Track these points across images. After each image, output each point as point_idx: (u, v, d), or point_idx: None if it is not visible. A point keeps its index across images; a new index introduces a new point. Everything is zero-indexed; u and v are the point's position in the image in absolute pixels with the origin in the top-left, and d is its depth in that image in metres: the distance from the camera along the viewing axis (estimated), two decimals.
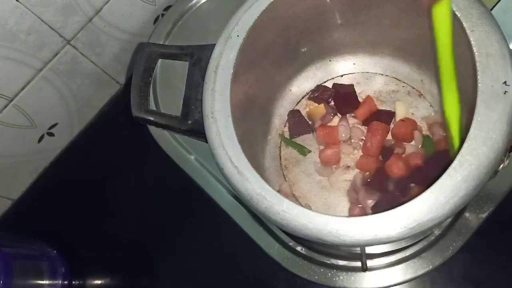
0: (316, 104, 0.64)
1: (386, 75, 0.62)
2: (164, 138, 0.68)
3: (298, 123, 0.63)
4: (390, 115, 0.60)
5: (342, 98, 0.62)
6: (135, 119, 0.51)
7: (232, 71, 0.47)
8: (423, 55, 0.58)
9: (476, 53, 0.42)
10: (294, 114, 0.63)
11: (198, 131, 0.48)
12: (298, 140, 0.63)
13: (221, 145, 0.45)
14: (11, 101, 0.65)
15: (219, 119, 0.46)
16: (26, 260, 0.66)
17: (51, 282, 0.67)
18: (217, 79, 0.47)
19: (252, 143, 0.57)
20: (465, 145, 0.40)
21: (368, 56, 0.63)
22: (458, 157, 0.39)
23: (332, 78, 0.64)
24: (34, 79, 0.65)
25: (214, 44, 0.49)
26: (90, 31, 0.67)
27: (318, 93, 0.63)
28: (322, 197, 0.60)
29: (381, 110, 0.61)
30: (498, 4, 0.60)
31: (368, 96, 0.62)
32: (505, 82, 0.40)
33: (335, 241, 0.40)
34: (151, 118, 0.51)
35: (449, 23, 0.43)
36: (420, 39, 0.55)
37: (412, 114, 0.60)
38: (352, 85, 0.63)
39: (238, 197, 0.46)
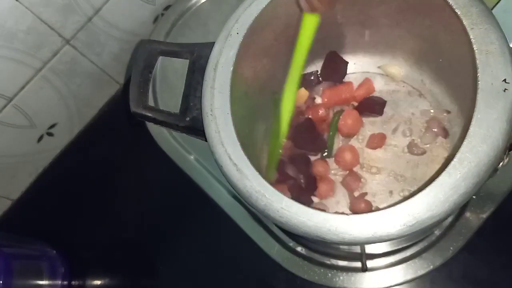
0: None
1: (386, 75, 0.62)
2: (164, 138, 0.68)
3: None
4: (382, 105, 0.60)
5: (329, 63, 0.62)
6: (134, 114, 0.51)
7: (231, 69, 0.47)
8: (423, 55, 0.58)
9: (476, 51, 0.42)
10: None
11: (196, 128, 0.48)
12: None
13: (220, 143, 0.45)
14: (10, 101, 0.65)
15: (219, 116, 0.46)
16: (26, 260, 0.66)
17: (51, 282, 0.67)
18: (217, 76, 0.47)
19: (251, 140, 0.57)
20: (464, 142, 0.39)
21: (368, 56, 0.63)
22: (458, 155, 0.39)
23: None
24: (34, 79, 0.65)
25: (214, 42, 0.49)
26: (89, 31, 0.67)
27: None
28: None
29: (374, 99, 0.61)
30: (498, 4, 0.60)
31: (367, 78, 0.61)
32: (504, 80, 0.40)
33: (334, 239, 0.40)
34: (150, 114, 0.51)
35: (313, 32, 0.50)
36: (420, 39, 0.55)
37: (412, 114, 0.60)
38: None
39: (238, 197, 0.46)
